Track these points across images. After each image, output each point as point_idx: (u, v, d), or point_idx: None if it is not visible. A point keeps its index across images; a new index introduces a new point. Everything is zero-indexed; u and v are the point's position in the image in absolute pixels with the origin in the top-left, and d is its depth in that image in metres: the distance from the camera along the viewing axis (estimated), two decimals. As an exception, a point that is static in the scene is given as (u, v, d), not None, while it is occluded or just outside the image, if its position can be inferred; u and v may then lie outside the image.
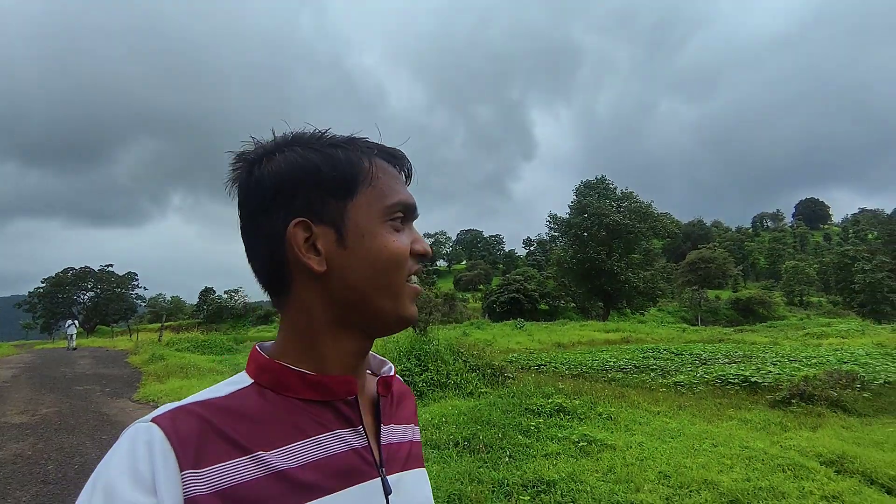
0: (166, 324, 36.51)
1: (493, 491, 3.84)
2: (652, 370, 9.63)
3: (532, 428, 5.44)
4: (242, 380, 0.56)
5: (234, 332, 34.60)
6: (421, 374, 7.85)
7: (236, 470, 0.48)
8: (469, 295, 64.13)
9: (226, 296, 40.40)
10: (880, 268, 48.18)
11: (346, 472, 0.54)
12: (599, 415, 6.01)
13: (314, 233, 0.55)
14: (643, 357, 11.87)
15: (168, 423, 0.48)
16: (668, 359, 11.42)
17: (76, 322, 24.66)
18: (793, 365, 9.22)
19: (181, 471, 0.46)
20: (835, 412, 6.07)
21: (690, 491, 3.86)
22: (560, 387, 7.04)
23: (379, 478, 0.57)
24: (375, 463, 0.58)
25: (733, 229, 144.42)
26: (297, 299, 0.56)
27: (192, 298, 56.89)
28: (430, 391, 7.57)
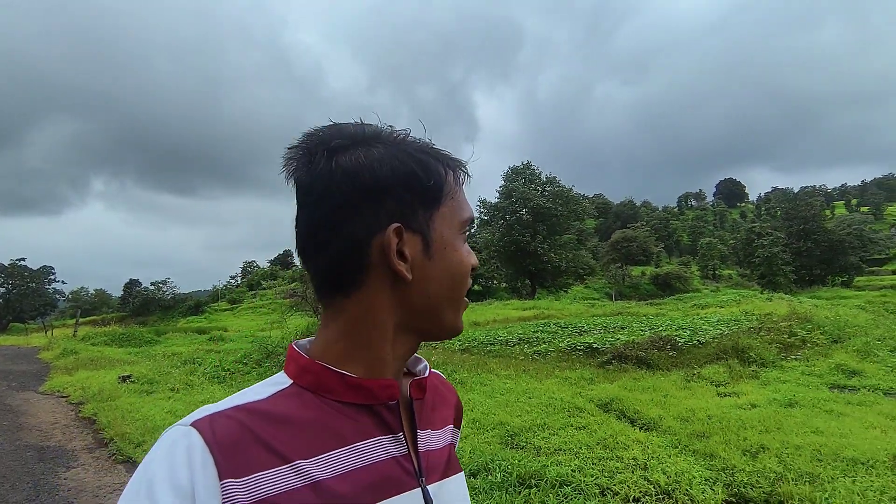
0: (88, 318, 35.18)
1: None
2: (528, 342, 11.02)
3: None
4: (282, 381, 0.55)
5: (161, 323, 33.96)
6: (315, 355, 8.82)
7: (276, 479, 0.47)
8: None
9: (153, 287, 39.29)
10: (776, 243, 53.48)
11: (387, 482, 0.53)
12: (455, 380, 7.21)
13: (404, 239, 0.54)
14: (533, 331, 13.29)
15: (207, 429, 0.47)
16: (552, 331, 12.90)
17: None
18: (644, 332, 10.90)
19: (221, 479, 0.45)
20: (640, 368, 7.60)
21: (486, 429, 5.08)
22: (432, 359, 8.21)
23: (419, 488, 0.55)
24: (415, 472, 0.56)
25: (660, 209, 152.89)
26: (364, 301, 0.55)
27: (118, 291, 54.46)
28: (322, 369, 8.56)
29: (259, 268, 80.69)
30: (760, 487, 3.56)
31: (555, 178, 40.48)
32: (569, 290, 42.35)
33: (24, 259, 47.89)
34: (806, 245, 55.39)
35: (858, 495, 3.26)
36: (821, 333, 9.22)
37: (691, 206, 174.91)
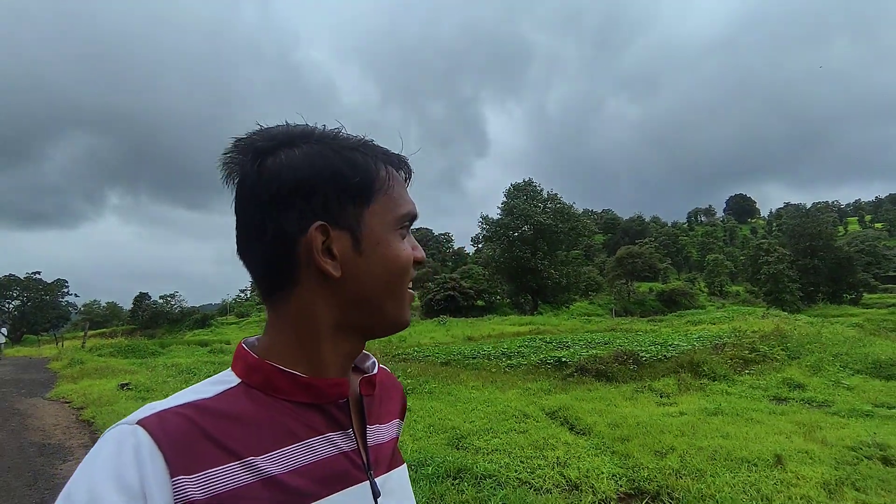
0: (99, 330, 36.21)
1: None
2: (509, 356, 11.52)
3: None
4: (229, 379, 0.55)
5: (169, 336, 34.83)
6: (300, 366, 9.44)
7: (229, 476, 0.47)
8: (416, 293, 65.78)
9: (161, 301, 40.33)
10: (781, 260, 53.40)
11: (337, 476, 0.54)
12: (425, 390, 7.77)
13: (331, 237, 0.54)
14: (518, 346, 13.76)
15: (155, 426, 0.47)
16: (536, 346, 13.36)
17: (3, 330, 24.45)
18: (622, 347, 11.35)
19: (172, 476, 0.45)
20: (598, 380, 8.10)
21: (438, 432, 5.63)
22: (408, 370, 8.78)
23: (367, 481, 0.57)
24: (364, 466, 0.57)
25: (669, 224, 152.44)
26: (299, 300, 0.55)
27: (130, 303, 55.69)
28: (306, 379, 9.17)
29: None
30: (657, 481, 4.07)
31: (556, 194, 41.17)
32: (570, 306, 42.68)
33: (39, 272, 49.44)
34: (812, 262, 55.27)
35: (730, 487, 3.77)
36: (782, 350, 9.64)
37: (701, 221, 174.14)
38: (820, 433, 4.97)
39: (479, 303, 50.42)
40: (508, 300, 48.64)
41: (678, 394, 7.08)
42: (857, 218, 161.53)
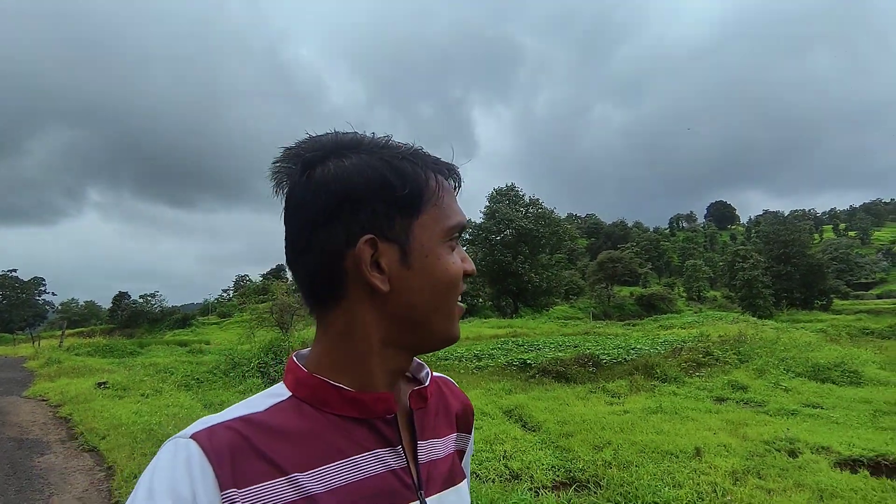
0: (77, 330, 35.85)
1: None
2: (480, 358, 11.95)
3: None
4: (281, 392, 0.56)
5: (149, 336, 34.64)
6: (275, 366, 9.76)
7: (273, 492, 0.48)
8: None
9: (141, 300, 40.06)
10: (756, 266, 54.82)
11: (384, 496, 0.53)
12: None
13: (379, 250, 0.53)
14: (492, 348, 14.22)
15: (206, 440, 0.48)
16: (508, 349, 13.83)
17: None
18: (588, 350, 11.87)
19: (222, 490, 0.46)
20: (558, 381, 8.57)
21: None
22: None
23: (417, 501, 0.55)
24: (414, 485, 0.56)
25: (651, 230, 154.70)
26: (348, 313, 0.55)
27: (109, 302, 55.00)
28: (280, 377, 9.47)
29: (252, 282, 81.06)
30: (589, 472, 4.52)
31: (537, 199, 41.84)
32: (550, 310, 43.35)
33: (15, 270, 48.67)
34: (786, 269, 56.79)
35: (651, 475, 4.23)
36: (734, 354, 10.22)
37: (682, 227, 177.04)
38: (744, 429, 5.48)
39: (463, 305, 50.91)
40: (491, 303, 49.24)
41: (629, 394, 7.56)
42: (832, 226, 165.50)
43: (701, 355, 10.00)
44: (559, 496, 4.04)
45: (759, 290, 52.45)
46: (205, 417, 0.52)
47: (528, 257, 38.79)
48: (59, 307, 53.95)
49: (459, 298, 0.59)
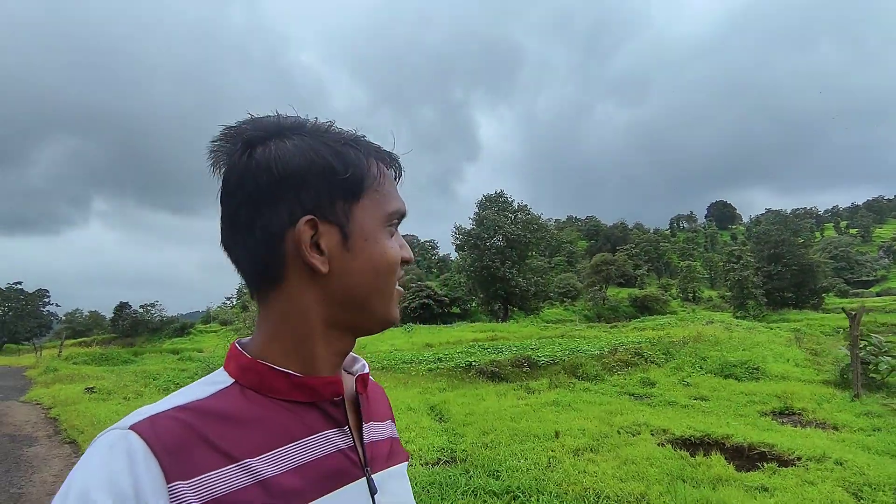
0: (79, 339, 37.14)
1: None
2: (441, 360, 12.99)
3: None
4: (222, 379, 0.54)
5: (149, 345, 35.84)
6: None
7: (225, 479, 0.47)
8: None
9: (142, 310, 41.37)
10: (746, 266, 55.57)
11: (334, 474, 0.54)
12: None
13: (319, 231, 0.54)
14: (458, 352, 15.26)
15: (148, 430, 0.46)
16: (472, 352, 14.86)
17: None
18: (553, 351, 12.90)
19: (168, 482, 0.44)
20: (491, 380, 9.61)
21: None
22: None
23: (364, 478, 0.57)
24: (361, 462, 0.57)
25: (651, 231, 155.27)
26: (288, 297, 0.55)
27: (111, 312, 56.30)
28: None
29: None
30: (468, 451, 5.56)
31: (526, 206, 42.92)
32: (540, 313, 44.32)
33: (20, 283, 50.17)
34: (777, 269, 57.48)
35: (512, 453, 5.26)
36: (662, 353, 11.23)
37: (683, 228, 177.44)
38: (614, 418, 6.50)
39: (455, 310, 51.97)
40: (483, 307, 50.31)
41: (546, 391, 8.59)
42: (833, 224, 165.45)
43: (631, 355, 11.02)
44: (431, 469, 5.09)
45: (749, 291, 53.19)
46: (142, 408, 0.50)
47: (517, 262, 39.81)
48: (64, 318, 55.44)
49: (398, 283, 0.60)
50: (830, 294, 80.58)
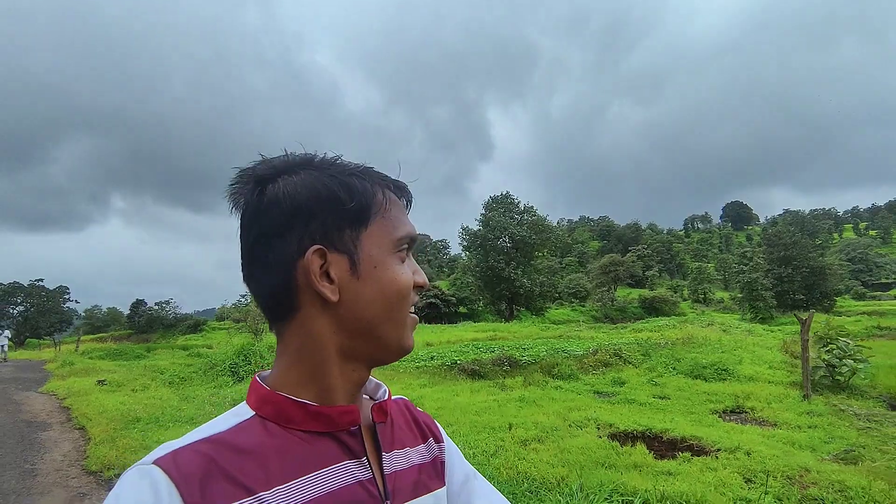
0: (98, 335, 38.48)
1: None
2: (433, 358, 13.56)
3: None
4: (244, 412, 0.56)
5: (163, 341, 37.06)
6: (245, 366, 11.58)
7: None
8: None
9: (157, 307, 42.74)
10: (756, 268, 55.26)
11: None
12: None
13: (328, 260, 0.55)
14: (452, 350, 15.82)
15: (171, 465, 0.48)
16: (463, 351, 15.42)
17: (7, 334, 26.46)
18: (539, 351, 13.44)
19: None
20: (471, 378, 10.18)
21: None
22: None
23: None
24: (380, 496, 0.57)
25: (665, 231, 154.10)
26: (302, 326, 0.56)
27: (129, 309, 57.93)
28: (248, 376, 11.30)
29: None
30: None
31: (532, 207, 43.35)
32: (545, 313, 44.74)
33: (42, 280, 52.03)
34: (787, 271, 57.06)
35: (467, 443, 5.84)
36: (641, 354, 11.71)
37: (697, 228, 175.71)
38: (571, 413, 7.04)
39: (462, 310, 52.60)
40: (489, 307, 50.86)
41: (519, 388, 9.15)
42: (852, 225, 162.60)
43: (611, 356, 11.51)
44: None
45: (758, 293, 52.93)
46: (167, 443, 0.52)
47: (521, 263, 40.27)
48: (83, 314, 57.25)
49: (413, 310, 0.61)
50: (846, 297, 79.51)
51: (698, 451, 5.26)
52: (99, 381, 11.22)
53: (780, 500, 4.01)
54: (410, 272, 0.60)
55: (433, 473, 0.66)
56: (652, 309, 60.67)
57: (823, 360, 9.77)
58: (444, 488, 0.67)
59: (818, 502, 3.98)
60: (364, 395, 0.66)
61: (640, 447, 5.18)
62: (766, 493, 3.99)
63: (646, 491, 3.91)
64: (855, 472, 4.53)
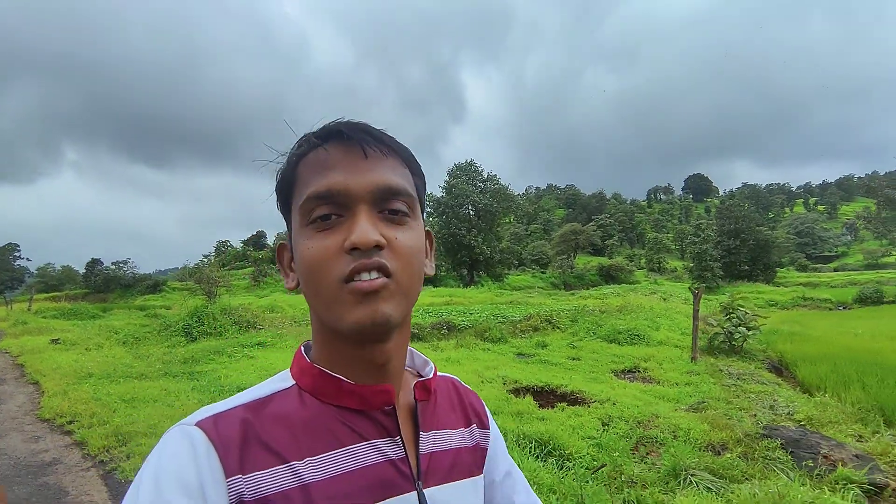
0: (52, 294, 37.79)
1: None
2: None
3: (229, 350, 9.95)
4: (286, 381, 0.58)
5: (121, 301, 36.74)
6: (197, 327, 12.14)
7: (273, 479, 0.49)
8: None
9: (114, 266, 41.95)
10: (706, 240, 58.10)
11: (379, 485, 0.53)
12: (284, 346, 10.59)
13: (287, 252, 0.59)
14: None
15: (211, 428, 0.50)
16: (413, 315, 16.33)
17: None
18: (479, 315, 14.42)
19: (227, 476, 0.48)
20: (414, 341, 11.07)
21: (267, 375, 8.44)
22: (280, 333, 11.58)
23: (414, 491, 0.55)
24: (412, 475, 0.56)
25: (628, 202, 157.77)
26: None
27: (84, 267, 56.46)
28: (200, 336, 11.90)
29: (232, 247, 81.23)
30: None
31: (494, 175, 44.04)
32: (506, 279, 46.21)
33: (-10, 235, 49.86)
34: (735, 243, 60.16)
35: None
36: (570, 320, 12.82)
37: (660, 199, 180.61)
38: (487, 371, 7.98)
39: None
40: (452, 273, 52.06)
41: (450, 350, 10.09)
42: (802, 200, 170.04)
43: (542, 321, 12.58)
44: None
45: (707, 263, 55.84)
46: (210, 405, 0.53)
47: (483, 231, 41.24)
48: (36, 272, 55.53)
49: (360, 276, 0.51)
50: (790, 268, 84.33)
51: (579, 402, 6.26)
52: (53, 340, 11.60)
53: (623, 437, 5.01)
54: (327, 240, 0.53)
55: (472, 460, 0.65)
56: (609, 277, 63.19)
57: (723, 327, 11.07)
58: (482, 477, 0.66)
59: (651, 440, 5.00)
60: (411, 370, 0.67)
61: (528, 399, 6.12)
62: (606, 432, 4.97)
63: (511, 431, 4.82)
64: (693, 419, 5.58)
